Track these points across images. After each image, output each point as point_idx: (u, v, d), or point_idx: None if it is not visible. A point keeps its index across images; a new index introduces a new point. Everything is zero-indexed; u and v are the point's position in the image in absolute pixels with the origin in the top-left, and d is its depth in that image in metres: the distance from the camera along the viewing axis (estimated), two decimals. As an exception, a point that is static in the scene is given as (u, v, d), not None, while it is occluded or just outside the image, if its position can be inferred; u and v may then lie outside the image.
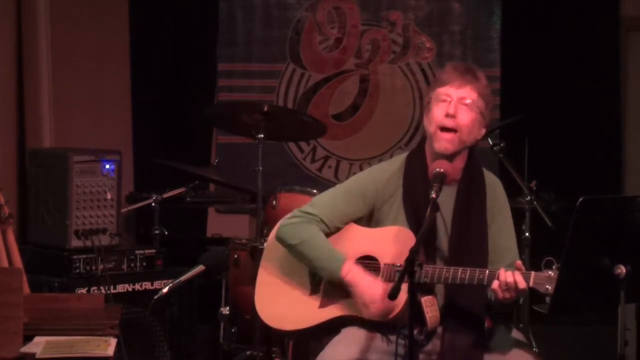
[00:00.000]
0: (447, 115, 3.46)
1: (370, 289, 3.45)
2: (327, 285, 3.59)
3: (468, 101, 3.48)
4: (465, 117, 3.48)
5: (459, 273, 3.36)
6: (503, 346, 3.46)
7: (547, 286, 3.25)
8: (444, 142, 3.48)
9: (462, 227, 3.52)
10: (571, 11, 6.28)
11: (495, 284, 3.31)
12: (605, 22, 6.31)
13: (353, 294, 3.49)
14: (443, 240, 3.53)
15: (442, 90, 3.50)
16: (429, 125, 3.53)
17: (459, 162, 3.54)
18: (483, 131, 3.55)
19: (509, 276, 3.29)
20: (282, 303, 3.64)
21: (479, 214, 3.54)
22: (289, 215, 3.68)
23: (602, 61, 6.30)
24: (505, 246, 3.54)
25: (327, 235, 3.62)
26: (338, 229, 3.63)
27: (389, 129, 6.45)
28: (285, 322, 3.64)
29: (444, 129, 3.47)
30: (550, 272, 3.26)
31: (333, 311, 3.56)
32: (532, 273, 3.29)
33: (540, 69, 6.27)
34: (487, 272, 3.34)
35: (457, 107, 3.47)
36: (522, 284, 3.28)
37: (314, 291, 3.61)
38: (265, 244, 3.90)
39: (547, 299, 3.26)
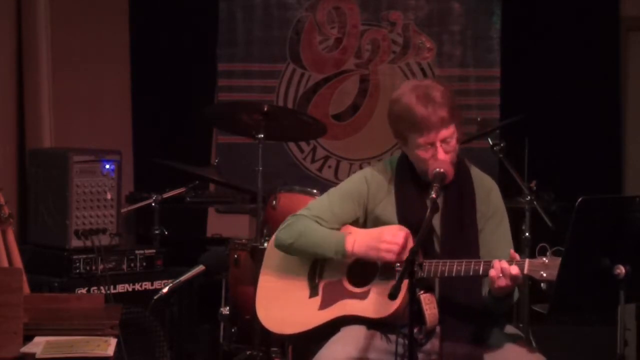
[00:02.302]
0: (440, 160, 3.47)
1: (377, 238, 3.45)
2: (326, 286, 3.60)
3: (450, 135, 3.48)
4: (452, 148, 3.49)
5: (455, 266, 3.37)
6: (501, 344, 3.47)
7: (542, 272, 3.26)
8: (442, 175, 3.47)
9: (453, 229, 3.53)
10: (571, 11, 6.27)
11: (492, 272, 3.32)
12: (605, 22, 6.31)
13: (371, 257, 3.48)
14: (435, 243, 3.54)
15: (425, 140, 3.47)
16: (417, 162, 3.54)
17: None
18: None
19: (504, 263, 3.31)
20: (281, 307, 3.65)
21: (468, 214, 3.55)
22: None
23: (602, 61, 6.30)
24: (500, 250, 3.53)
25: None
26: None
27: (389, 129, 6.40)
28: (286, 326, 3.65)
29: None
30: (544, 259, 3.27)
31: (332, 312, 3.56)
32: (527, 260, 3.31)
33: (540, 69, 6.26)
34: (483, 263, 3.36)
35: (444, 147, 3.47)
36: (515, 270, 3.29)
37: (312, 294, 3.62)
38: (265, 245, 3.91)
39: (543, 286, 3.27)
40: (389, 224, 3.55)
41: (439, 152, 3.47)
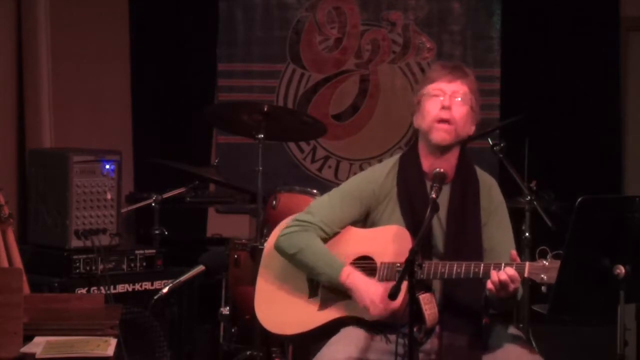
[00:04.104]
0: (443, 108, 3.49)
1: (370, 291, 3.46)
2: (325, 287, 3.60)
3: (460, 96, 3.52)
4: (460, 110, 3.52)
5: (455, 268, 3.37)
6: (501, 344, 3.48)
7: (543, 275, 3.27)
8: (441, 132, 3.50)
9: (458, 224, 3.54)
10: (571, 11, 6.27)
11: (489, 284, 3.32)
12: (605, 22, 6.31)
13: (353, 298, 3.50)
14: (439, 238, 3.55)
15: (434, 86, 3.54)
16: (422, 122, 3.55)
17: (452, 160, 3.57)
18: (473, 128, 3.59)
19: (502, 275, 3.31)
20: (281, 308, 3.65)
21: (473, 211, 3.57)
22: (286, 222, 3.69)
23: (602, 61, 6.30)
24: (503, 245, 3.54)
25: (326, 240, 3.63)
26: (337, 234, 3.64)
27: (389, 129, 6.44)
28: (285, 327, 3.65)
29: (440, 121, 3.50)
30: (544, 262, 3.28)
31: (332, 313, 3.56)
32: (527, 263, 3.32)
33: (540, 69, 6.26)
34: (482, 265, 3.36)
35: (451, 101, 3.49)
36: (515, 277, 3.30)
37: (312, 295, 3.62)
38: (265, 245, 3.91)
39: (543, 289, 3.27)
40: (392, 220, 3.56)
41: (445, 99, 3.49)
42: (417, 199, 3.51)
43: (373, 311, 3.44)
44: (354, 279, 3.50)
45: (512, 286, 3.32)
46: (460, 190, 3.57)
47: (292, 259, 3.63)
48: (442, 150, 3.53)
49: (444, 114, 3.50)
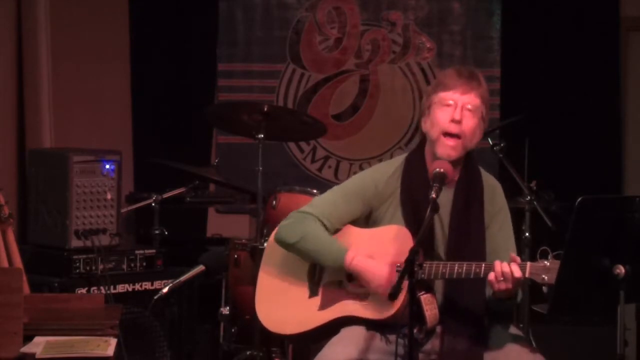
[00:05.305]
0: (453, 121, 3.47)
1: (377, 272, 3.46)
2: (326, 286, 3.60)
3: (472, 107, 3.50)
4: (470, 123, 3.50)
5: (456, 268, 3.38)
6: (502, 344, 3.48)
7: (544, 276, 3.27)
8: (447, 149, 3.49)
9: (460, 227, 3.54)
10: (571, 11, 6.27)
11: (491, 275, 3.32)
12: (605, 22, 6.31)
13: (360, 281, 3.50)
14: (440, 240, 3.55)
15: (447, 95, 3.51)
16: (430, 129, 3.54)
17: (457, 163, 3.56)
18: (481, 136, 3.58)
19: (505, 266, 3.32)
20: (281, 307, 3.65)
21: (476, 214, 3.56)
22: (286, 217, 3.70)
23: (602, 61, 6.30)
24: (504, 248, 3.54)
25: None
26: (337, 230, 3.64)
27: (389, 129, 6.44)
28: (286, 326, 3.65)
29: (447, 134, 3.49)
30: (546, 262, 3.28)
31: (332, 313, 3.56)
32: (528, 263, 3.32)
33: (540, 69, 6.26)
34: (484, 265, 3.36)
35: (462, 113, 3.48)
36: (517, 273, 3.30)
37: (312, 294, 3.62)
38: (265, 245, 3.91)
39: (544, 289, 3.27)
40: (394, 221, 3.56)
41: (456, 112, 3.47)
42: (420, 200, 3.50)
43: (382, 292, 3.42)
44: (359, 261, 3.50)
45: (512, 280, 3.31)
46: (464, 193, 3.57)
47: (293, 247, 3.61)
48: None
49: (453, 128, 3.48)
